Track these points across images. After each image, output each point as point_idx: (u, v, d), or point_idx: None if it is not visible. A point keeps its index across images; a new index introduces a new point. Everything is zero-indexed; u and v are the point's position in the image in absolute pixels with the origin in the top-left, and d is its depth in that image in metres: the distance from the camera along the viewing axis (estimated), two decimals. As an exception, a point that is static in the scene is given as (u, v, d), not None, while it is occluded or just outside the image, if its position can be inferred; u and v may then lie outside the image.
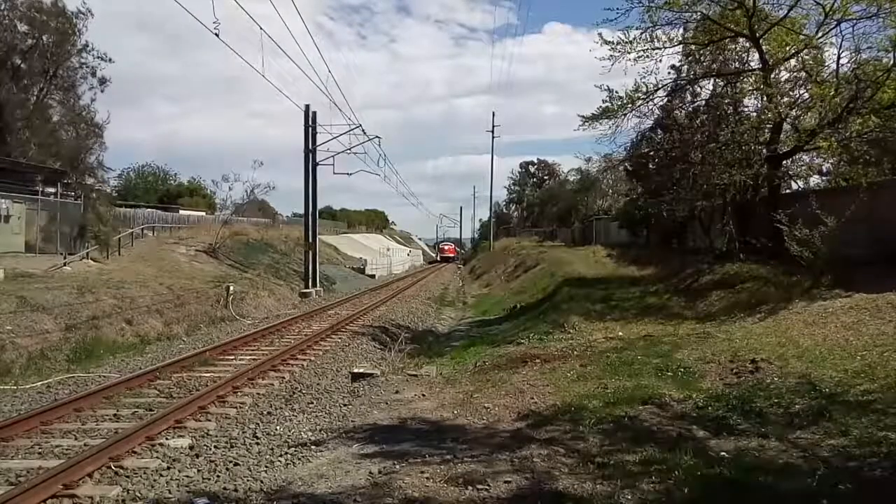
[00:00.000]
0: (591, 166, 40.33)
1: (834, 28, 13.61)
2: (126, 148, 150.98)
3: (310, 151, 27.09)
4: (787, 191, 16.94)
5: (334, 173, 28.29)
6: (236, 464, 6.15)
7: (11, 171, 20.24)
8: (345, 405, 8.54)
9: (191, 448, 6.69)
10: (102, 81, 25.29)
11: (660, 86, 16.25)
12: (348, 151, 27.66)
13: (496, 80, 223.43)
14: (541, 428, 6.37)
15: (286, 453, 6.40)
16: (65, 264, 19.06)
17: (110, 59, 25.16)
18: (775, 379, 7.34)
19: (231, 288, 19.40)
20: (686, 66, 16.91)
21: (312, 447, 6.51)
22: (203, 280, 21.07)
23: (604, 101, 16.31)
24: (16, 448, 6.63)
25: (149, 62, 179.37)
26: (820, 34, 14.06)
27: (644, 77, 15.91)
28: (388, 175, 43.47)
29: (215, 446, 6.76)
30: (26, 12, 22.96)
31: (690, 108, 17.81)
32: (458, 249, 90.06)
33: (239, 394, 9.20)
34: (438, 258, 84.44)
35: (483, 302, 27.31)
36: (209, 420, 7.82)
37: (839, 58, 13.81)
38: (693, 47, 16.09)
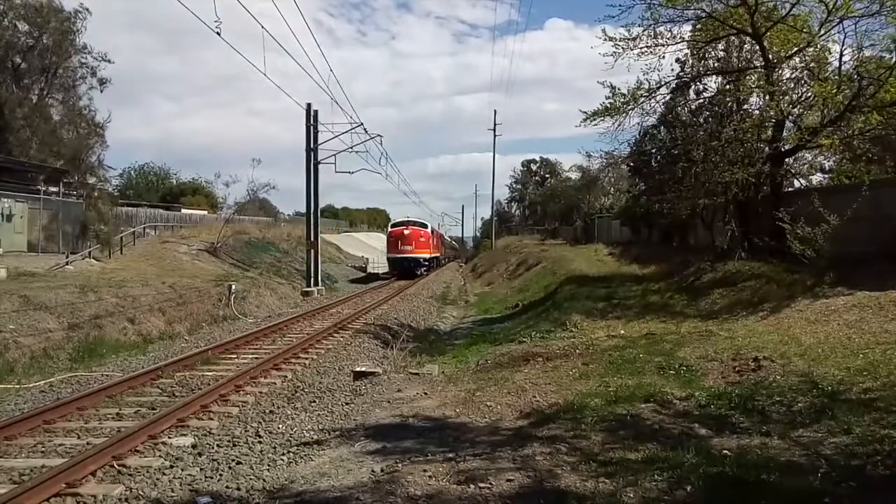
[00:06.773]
0: (591, 163, 40.31)
1: (836, 25, 13.57)
2: (126, 146, 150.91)
3: (311, 150, 27.10)
4: (790, 189, 16.92)
5: (336, 172, 28.08)
6: (239, 462, 6.15)
7: (13, 171, 20.30)
8: (347, 404, 8.54)
9: (193, 447, 6.69)
10: (102, 82, 25.39)
11: (662, 83, 16.26)
12: (350, 150, 27.70)
13: (497, 77, 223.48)
14: (543, 426, 6.36)
15: (289, 452, 6.40)
16: (67, 263, 19.12)
17: (109, 60, 25.26)
18: (777, 377, 7.33)
19: (233, 287, 19.43)
20: (690, 61, 16.88)
21: (315, 445, 6.52)
22: (205, 279, 21.09)
23: (606, 98, 16.31)
24: (19, 447, 6.65)
25: (148, 60, 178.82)
26: (822, 32, 14.03)
27: (647, 73, 15.92)
28: (390, 174, 43.46)
29: (218, 445, 6.76)
30: (26, 11, 22.99)
31: (694, 106, 17.77)
32: (454, 244, 69.90)
33: (241, 392, 9.22)
34: (387, 260, 40.60)
35: (485, 300, 27.29)
36: (212, 419, 7.83)
37: (841, 55, 13.78)
38: (697, 44, 16.06)
